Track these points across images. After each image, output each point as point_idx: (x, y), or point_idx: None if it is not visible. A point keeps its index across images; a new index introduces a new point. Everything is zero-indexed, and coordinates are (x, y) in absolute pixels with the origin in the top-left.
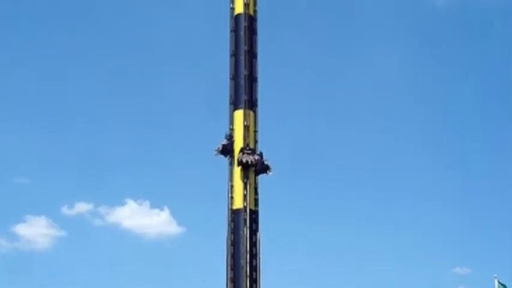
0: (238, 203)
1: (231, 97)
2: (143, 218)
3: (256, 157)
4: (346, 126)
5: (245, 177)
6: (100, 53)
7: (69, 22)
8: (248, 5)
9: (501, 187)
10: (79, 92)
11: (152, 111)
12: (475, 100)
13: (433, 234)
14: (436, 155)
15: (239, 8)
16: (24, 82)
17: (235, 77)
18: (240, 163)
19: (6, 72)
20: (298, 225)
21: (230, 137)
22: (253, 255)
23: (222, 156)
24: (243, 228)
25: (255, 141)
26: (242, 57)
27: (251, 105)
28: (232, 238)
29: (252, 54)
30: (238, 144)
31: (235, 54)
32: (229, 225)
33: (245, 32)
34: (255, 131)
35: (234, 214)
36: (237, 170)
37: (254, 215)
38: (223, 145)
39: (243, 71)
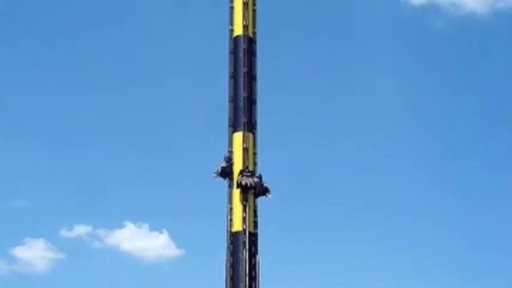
0: (237, 226)
1: (230, 119)
2: (142, 241)
3: (256, 179)
4: (346, 149)
5: (244, 199)
6: (99, 76)
7: (68, 40)
8: (247, 27)
9: (502, 210)
10: (78, 113)
11: (151, 133)
12: (475, 121)
13: (433, 258)
14: (436, 177)
15: (238, 30)
16: (24, 105)
17: (234, 99)
18: (239, 185)
19: (5, 96)
20: (297, 248)
21: (229, 159)
22: (253, 278)
23: (221, 178)
24: (242, 250)
25: (254, 164)
26: (241, 79)
27: (250, 127)
28: (232, 261)
29: (251, 76)
30: (238, 166)
31: (234, 76)
32: (228, 247)
33: (244, 54)
34: (254, 153)
35: (233, 237)
36: (236, 193)
37: (253, 237)
38: (222, 167)
39: (242, 93)
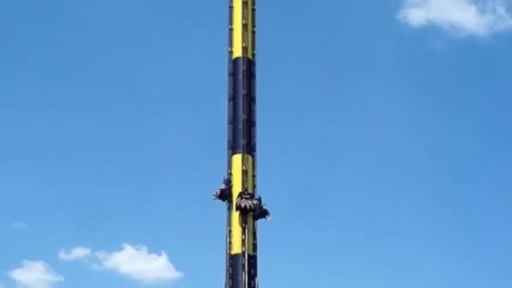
0: (236, 248)
1: (229, 141)
2: (141, 263)
3: (255, 202)
4: (346, 171)
5: (243, 222)
6: (97, 98)
7: (65, 64)
8: (246, 48)
9: (503, 232)
10: (76, 136)
11: (150, 155)
12: (476, 143)
13: (433, 282)
14: (437, 200)
15: (237, 52)
16: (22, 126)
17: (233, 121)
18: (238, 208)
19: (4, 117)
20: (296, 271)
21: (228, 182)
22: None
23: (220, 200)
24: (242, 273)
25: (254, 186)
26: (240, 101)
27: (249, 149)
28: (231, 283)
29: (250, 98)
30: (237, 188)
31: (233, 98)
32: (227, 270)
33: (243, 76)
34: (254, 176)
35: (233, 259)
36: (236, 215)
37: (252, 260)
38: (221, 190)
39: (241, 115)
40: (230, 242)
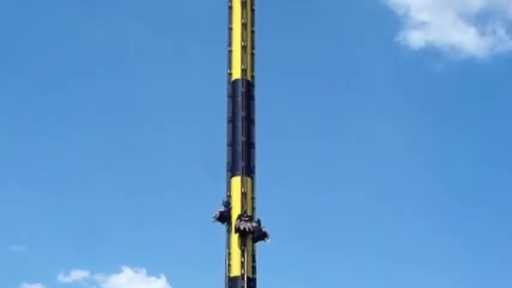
0: (235, 271)
1: (228, 163)
2: (140, 286)
3: (254, 224)
4: (345, 194)
5: (243, 244)
6: (94, 119)
7: (64, 83)
8: (246, 70)
9: (503, 253)
10: (74, 158)
11: (148, 178)
12: (476, 165)
13: None
14: (437, 222)
15: (236, 74)
16: (21, 150)
17: (232, 143)
18: (237, 230)
19: (2, 140)
20: None
21: (227, 204)
22: None
23: (219, 223)
24: None
25: (253, 208)
26: (239, 123)
27: (249, 171)
28: None
29: (249, 120)
30: (236, 211)
31: (232, 120)
32: None
33: (242, 98)
34: (253, 198)
35: (232, 282)
36: (235, 237)
37: (252, 282)
38: (220, 212)
39: (241, 137)
40: (229, 265)
